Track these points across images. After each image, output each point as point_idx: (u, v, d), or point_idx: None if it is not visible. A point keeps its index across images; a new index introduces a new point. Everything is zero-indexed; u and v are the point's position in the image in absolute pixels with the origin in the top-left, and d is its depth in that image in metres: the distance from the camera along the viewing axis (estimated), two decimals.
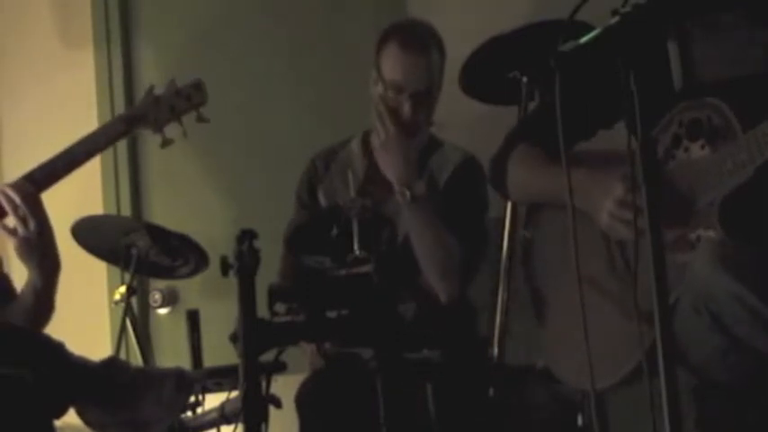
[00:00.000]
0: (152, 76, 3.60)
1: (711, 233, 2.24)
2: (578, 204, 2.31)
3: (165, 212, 4.35)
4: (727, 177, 2.23)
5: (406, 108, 3.32)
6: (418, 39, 3.36)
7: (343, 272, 2.59)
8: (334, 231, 2.62)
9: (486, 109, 3.63)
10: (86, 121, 3.68)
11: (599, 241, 2.48)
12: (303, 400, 3.19)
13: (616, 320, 2.33)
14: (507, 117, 3.37)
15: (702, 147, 2.30)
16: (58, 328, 2.87)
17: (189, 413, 3.04)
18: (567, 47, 1.97)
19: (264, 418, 2.44)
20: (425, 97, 3.34)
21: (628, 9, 1.95)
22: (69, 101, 4.48)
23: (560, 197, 2.13)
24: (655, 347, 1.89)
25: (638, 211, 1.96)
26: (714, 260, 2.18)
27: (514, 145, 2.66)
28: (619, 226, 2.35)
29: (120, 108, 4.32)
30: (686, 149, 2.33)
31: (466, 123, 3.78)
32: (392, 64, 3.34)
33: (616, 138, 2.09)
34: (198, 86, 3.29)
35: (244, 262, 2.42)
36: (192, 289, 4.21)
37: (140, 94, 3.35)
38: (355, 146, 3.53)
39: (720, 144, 2.26)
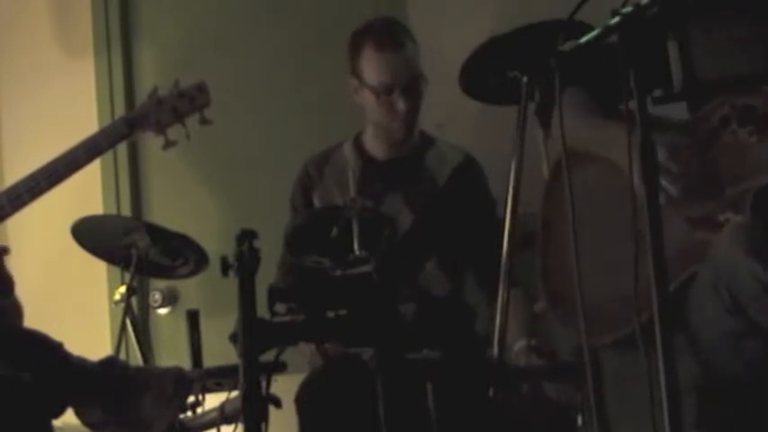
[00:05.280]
0: (153, 81, 3.59)
1: (740, 218, 2.24)
2: (609, 153, 2.31)
3: (165, 212, 4.34)
4: None
5: (401, 104, 3.35)
6: (391, 36, 3.40)
7: (343, 272, 2.59)
8: (334, 231, 2.62)
9: (486, 109, 3.63)
10: (87, 126, 3.67)
11: (623, 195, 2.46)
12: (303, 400, 3.19)
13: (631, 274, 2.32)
14: (507, 117, 3.38)
15: (751, 134, 2.30)
16: (58, 328, 2.87)
17: (189, 413, 3.04)
18: (567, 47, 1.98)
19: (264, 418, 2.44)
20: (414, 88, 3.38)
21: (628, 9, 1.95)
22: (70, 106, 4.48)
23: (596, 149, 2.12)
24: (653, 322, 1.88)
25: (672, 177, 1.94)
26: (740, 242, 2.18)
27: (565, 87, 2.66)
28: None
29: (122, 114, 4.32)
30: (733, 133, 2.33)
31: (466, 123, 3.78)
32: (374, 68, 3.37)
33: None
34: (201, 88, 3.29)
35: (244, 262, 2.42)
36: (191, 289, 4.22)
37: (141, 99, 3.35)
38: (348, 148, 3.54)
39: None
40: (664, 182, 2.21)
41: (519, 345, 3.18)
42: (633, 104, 1.94)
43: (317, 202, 3.50)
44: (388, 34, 3.40)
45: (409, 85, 3.36)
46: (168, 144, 3.28)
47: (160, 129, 3.25)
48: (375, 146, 3.50)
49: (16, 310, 2.81)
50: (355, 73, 3.41)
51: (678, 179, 2.15)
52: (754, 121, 2.29)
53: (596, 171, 2.32)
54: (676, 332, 1.98)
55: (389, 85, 3.35)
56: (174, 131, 3.28)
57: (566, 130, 2.65)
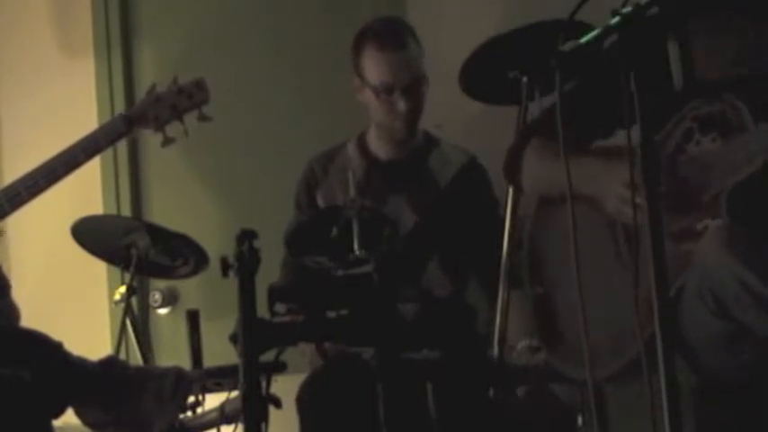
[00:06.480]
0: (153, 81, 3.59)
1: (719, 222, 2.25)
2: (587, 189, 2.33)
3: (164, 212, 4.34)
4: (737, 168, 2.24)
5: (401, 104, 3.36)
6: (393, 36, 3.40)
7: (343, 272, 2.59)
8: (334, 231, 2.62)
9: (486, 109, 3.63)
10: (87, 127, 3.67)
11: (605, 230, 2.48)
12: (303, 400, 3.19)
13: (619, 309, 2.33)
14: (507, 117, 3.38)
15: (714, 140, 2.31)
16: (59, 328, 2.87)
17: (189, 413, 3.04)
18: (567, 47, 1.98)
19: (264, 418, 2.44)
20: (416, 89, 3.38)
21: (628, 9, 1.95)
22: (70, 107, 4.48)
23: (573, 187, 2.13)
24: (654, 339, 1.89)
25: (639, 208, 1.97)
26: (720, 244, 2.19)
27: (530, 138, 2.68)
28: (627, 209, 2.36)
29: None
30: (697, 143, 2.34)
31: (466, 123, 3.78)
32: (375, 67, 3.38)
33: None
34: (200, 85, 3.29)
35: (244, 262, 2.42)
36: (191, 289, 4.21)
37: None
38: (351, 148, 3.54)
39: (732, 137, 2.27)
40: (639, 199, 2.22)
41: (522, 344, 3.18)
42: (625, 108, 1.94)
43: (320, 201, 3.50)
44: (391, 34, 3.41)
45: (410, 86, 3.36)
46: (167, 141, 3.28)
47: (158, 126, 3.25)
48: (378, 146, 3.51)
49: (13, 312, 2.81)
50: (358, 72, 3.42)
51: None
52: (716, 126, 2.31)
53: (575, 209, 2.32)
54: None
55: (390, 84, 3.36)
56: (173, 129, 3.28)
57: (535, 177, 2.67)
